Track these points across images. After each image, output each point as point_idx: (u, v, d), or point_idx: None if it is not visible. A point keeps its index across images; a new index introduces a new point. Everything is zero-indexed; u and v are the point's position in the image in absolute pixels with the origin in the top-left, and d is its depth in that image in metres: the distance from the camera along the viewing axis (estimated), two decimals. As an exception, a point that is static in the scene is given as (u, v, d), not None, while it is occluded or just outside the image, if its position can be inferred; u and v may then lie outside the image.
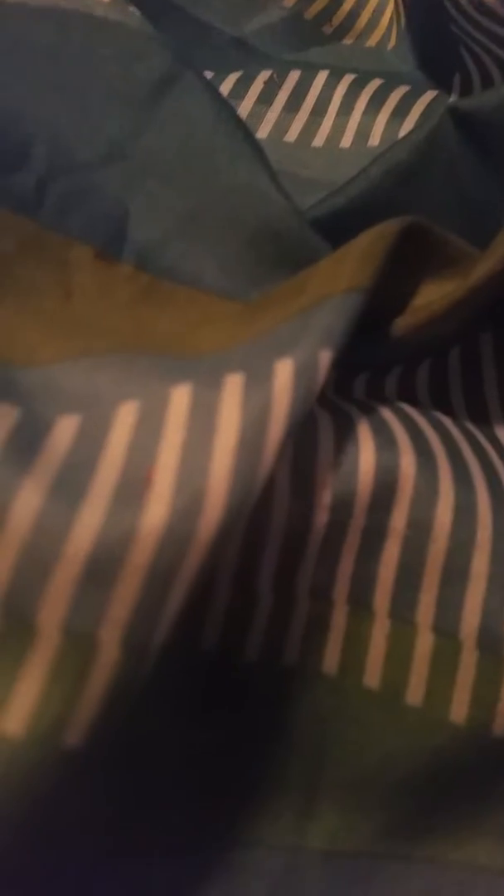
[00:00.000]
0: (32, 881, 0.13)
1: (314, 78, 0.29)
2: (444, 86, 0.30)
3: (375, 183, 0.23)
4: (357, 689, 0.16)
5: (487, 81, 0.29)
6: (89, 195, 0.21)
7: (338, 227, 0.21)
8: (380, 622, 0.16)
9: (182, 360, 0.16)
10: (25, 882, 0.13)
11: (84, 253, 0.20)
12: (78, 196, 0.21)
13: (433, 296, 0.19)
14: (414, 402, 0.19)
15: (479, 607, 0.16)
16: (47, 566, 0.12)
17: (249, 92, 0.29)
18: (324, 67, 0.30)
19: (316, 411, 0.16)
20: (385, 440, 0.16)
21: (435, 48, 0.31)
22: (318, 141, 0.28)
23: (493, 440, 0.19)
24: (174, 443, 0.14)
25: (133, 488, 0.13)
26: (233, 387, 0.14)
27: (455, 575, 0.16)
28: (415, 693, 0.16)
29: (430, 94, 0.28)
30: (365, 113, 0.28)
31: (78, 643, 0.12)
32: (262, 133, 0.28)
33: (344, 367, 0.16)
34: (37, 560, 0.12)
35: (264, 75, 0.29)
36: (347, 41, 0.34)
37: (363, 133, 0.27)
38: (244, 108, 0.28)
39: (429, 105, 0.28)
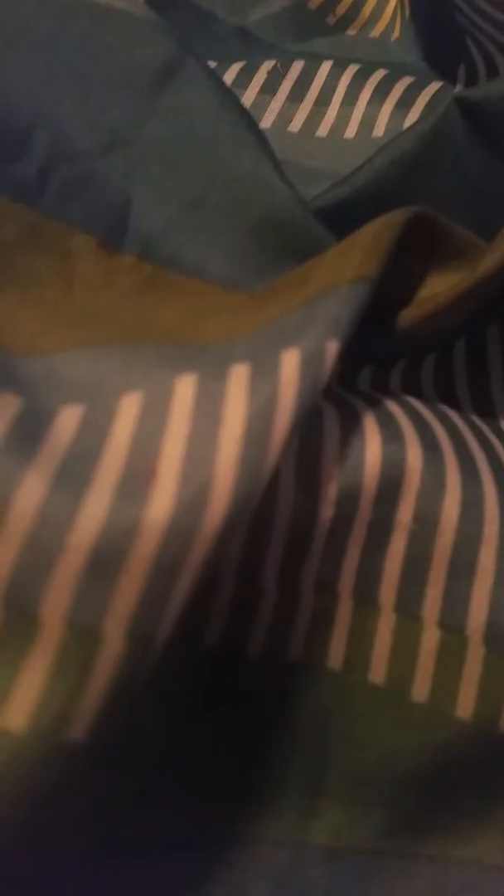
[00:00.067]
0: (33, 878, 0.13)
1: (318, 68, 0.29)
2: (448, 76, 0.30)
3: (381, 173, 0.23)
4: (362, 684, 0.15)
5: (493, 71, 0.29)
6: (91, 184, 0.21)
7: (342, 217, 0.21)
8: (385, 617, 0.16)
9: (186, 351, 0.16)
10: (25, 878, 0.12)
11: (86, 242, 0.20)
12: (79, 185, 0.21)
13: (439, 287, 0.18)
14: (419, 396, 0.19)
15: (486, 602, 0.15)
16: (50, 557, 0.12)
17: (253, 82, 0.29)
18: (327, 58, 0.30)
19: (322, 404, 0.16)
20: (391, 433, 0.16)
21: (440, 38, 0.30)
22: (323, 131, 0.27)
23: (500, 434, 0.19)
24: (179, 434, 0.13)
25: (137, 480, 0.13)
26: (239, 377, 0.14)
27: (462, 570, 0.16)
28: (420, 689, 0.15)
29: (434, 85, 0.28)
30: (369, 103, 0.28)
31: (81, 635, 0.12)
32: (266, 123, 0.28)
33: (349, 360, 0.16)
34: (40, 551, 0.12)
35: (268, 65, 0.29)
36: (351, 32, 0.34)
37: (368, 123, 0.27)
38: (247, 98, 0.28)
39: (433, 96, 0.28)
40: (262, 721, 0.15)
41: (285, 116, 0.28)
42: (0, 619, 0.12)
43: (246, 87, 0.28)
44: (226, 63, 0.29)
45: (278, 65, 0.29)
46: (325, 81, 0.28)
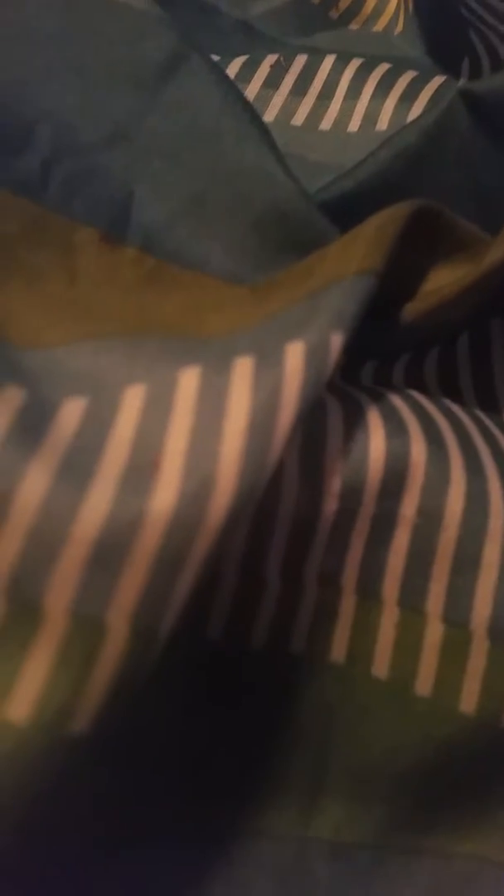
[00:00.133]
0: (33, 871, 0.13)
1: (321, 62, 0.29)
2: (452, 71, 0.30)
3: (384, 166, 0.22)
4: (365, 678, 0.15)
5: (497, 64, 0.29)
6: (94, 177, 0.21)
7: (346, 210, 0.21)
8: (389, 611, 0.16)
9: (189, 343, 0.16)
10: (26, 872, 0.12)
11: (89, 235, 0.20)
12: (82, 178, 0.20)
13: (443, 281, 0.18)
14: (422, 390, 0.19)
15: (491, 597, 0.15)
16: (54, 549, 0.12)
17: (256, 75, 0.29)
18: (330, 52, 0.29)
19: (325, 398, 0.16)
20: (395, 427, 0.16)
21: (443, 32, 0.30)
22: (326, 125, 0.27)
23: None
24: (183, 426, 0.13)
25: (141, 472, 0.13)
26: (243, 369, 0.14)
27: (466, 564, 0.15)
28: (424, 683, 0.15)
29: (438, 80, 0.28)
30: (373, 97, 0.28)
31: (85, 627, 0.12)
32: (269, 117, 0.28)
33: (352, 354, 0.16)
34: (43, 543, 0.12)
35: (270, 59, 0.29)
36: (354, 26, 0.33)
37: (371, 117, 0.27)
38: (250, 92, 0.28)
39: (437, 90, 0.28)
40: (264, 714, 0.15)
41: (288, 110, 0.28)
42: (4, 610, 0.12)
43: (249, 81, 0.28)
44: (229, 57, 0.29)
45: (281, 59, 0.29)
46: (329, 75, 0.28)
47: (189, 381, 0.14)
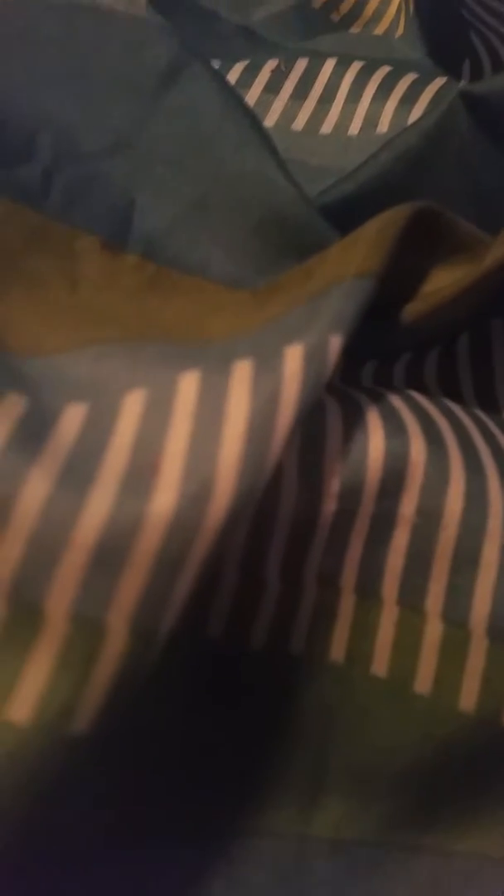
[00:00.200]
0: (35, 870, 0.13)
1: (322, 66, 0.29)
2: (453, 73, 0.30)
3: (385, 169, 0.23)
4: (364, 677, 0.15)
5: (497, 66, 0.29)
6: (95, 185, 0.21)
7: (347, 213, 0.21)
8: (388, 610, 0.16)
9: (190, 348, 0.16)
10: (28, 871, 0.13)
11: (90, 243, 0.20)
12: (84, 186, 0.21)
13: (443, 282, 0.18)
14: (422, 390, 0.19)
15: (490, 596, 0.15)
16: (55, 553, 0.12)
17: (256, 80, 0.29)
18: (331, 56, 0.30)
19: (325, 398, 0.16)
20: (394, 427, 0.16)
21: (444, 34, 0.30)
22: (326, 128, 0.28)
23: (504, 427, 0.19)
24: (182, 430, 0.13)
25: (141, 476, 0.13)
26: (242, 373, 0.14)
27: (465, 563, 0.16)
28: (423, 681, 0.15)
29: (438, 82, 0.28)
30: (373, 100, 0.28)
31: (85, 629, 0.12)
32: (270, 121, 0.28)
33: (352, 354, 0.16)
34: (45, 547, 0.12)
35: (271, 64, 0.29)
36: (355, 29, 0.34)
37: (371, 120, 0.27)
38: (251, 97, 0.28)
39: (437, 92, 0.28)
40: (264, 714, 0.15)
41: (289, 114, 0.28)
42: (6, 613, 0.12)
43: (250, 86, 0.29)
44: (229, 62, 0.29)
45: (282, 63, 0.29)
46: (329, 79, 0.29)
47: (189, 385, 0.14)
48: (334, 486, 0.15)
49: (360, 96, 0.28)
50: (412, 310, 0.18)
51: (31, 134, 0.21)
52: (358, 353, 0.18)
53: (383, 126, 0.27)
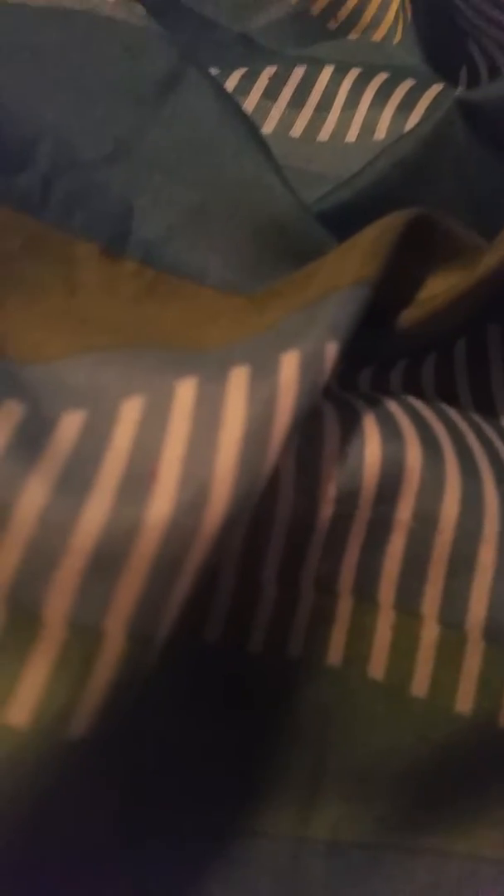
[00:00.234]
0: (34, 872, 0.13)
1: (319, 73, 0.29)
2: (450, 79, 0.30)
3: (382, 176, 0.23)
4: (362, 680, 0.16)
5: (495, 73, 0.29)
6: (94, 193, 0.21)
7: (344, 220, 0.21)
8: (385, 614, 0.16)
9: (187, 355, 0.16)
10: (27, 874, 0.13)
11: (89, 250, 0.20)
12: (83, 194, 0.21)
13: (439, 288, 0.19)
14: (420, 396, 0.19)
15: (486, 598, 0.16)
16: (53, 559, 0.12)
17: (255, 87, 0.29)
18: (329, 63, 0.30)
19: (322, 404, 0.16)
20: (391, 432, 0.16)
21: (441, 41, 0.30)
22: (324, 135, 0.28)
23: (501, 432, 0.19)
24: (179, 436, 0.14)
25: (138, 482, 0.13)
26: (238, 380, 0.14)
27: (461, 567, 0.16)
28: (420, 684, 0.16)
29: (436, 88, 0.28)
30: (371, 107, 0.28)
31: (83, 635, 0.12)
32: (268, 128, 0.28)
33: (349, 360, 0.16)
34: (42, 553, 0.12)
35: (269, 71, 0.29)
36: (353, 36, 0.34)
37: (369, 127, 0.27)
38: (249, 104, 0.28)
39: (435, 99, 0.28)
40: (262, 716, 0.15)
41: (287, 122, 0.28)
42: (4, 618, 0.12)
43: (248, 94, 0.29)
44: (228, 69, 0.30)
45: (280, 70, 0.29)
46: (327, 86, 0.29)
47: (186, 391, 0.14)
48: (331, 490, 0.15)
49: (358, 103, 0.28)
50: (409, 316, 0.19)
51: (30, 142, 0.21)
52: (355, 359, 0.18)
53: (381, 133, 0.27)
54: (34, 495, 0.12)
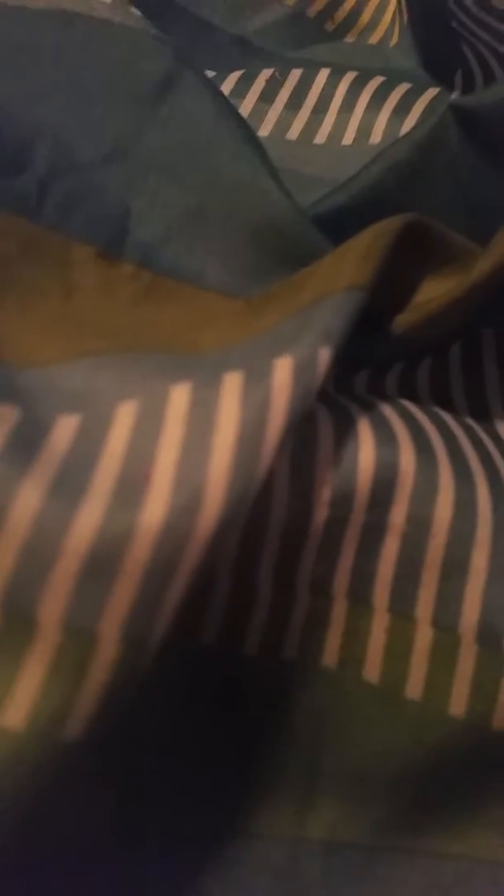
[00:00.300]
0: (33, 872, 0.13)
1: (316, 76, 0.29)
2: (446, 82, 0.30)
3: (377, 180, 0.23)
4: (356, 682, 0.16)
5: (489, 78, 0.29)
6: (91, 195, 0.21)
7: (339, 224, 0.21)
8: (379, 617, 0.16)
9: (182, 359, 0.16)
10: (23, 875, 0.13)
11: (86, 253, 0.20)
12: (80, 196, 0.21)
13: (434, 293, 0.19)
14: (414, 400, 0.19)
15: (479, 602, 0.16)
16: (47, 563, 0.12)
17: (251, 90, 0.29)
18: (325, 65, 0.30)
19: (316, 408, 0.16)
20: (385, 436, 0.16)
21: (437, 45, 0.31)
22: (320, 138, 0.28)
23: (495, 436, 0.19)
24: (173, 441, 0.14)
25: (132, 486, 0.13)
26: (232, 385, 0.14)
27: (454, 570, 0.16)
28: (414, 687, 0.16)
29: (431, 92, 0.28)
30: (366, 110, 0.28)
31: (78, 638, 0.12)
32: (264, 131, 0.28)
33: (345, 364, 0.16)
34: (37, 557, 0.12)
35: (266, 73, 0.29)
36: (349, 39, 0.34)
37: (365, 130, 0.27)
38: (246, 107, 0.28)
39: (430, 102, 0.28)
40: (258, 718, 0.16)
41: (283, 124, 0.28)
42: None
43: (244, 96, 0.29)
44: (224, 72, 0.30)
45: (276, 73, 0.29)
46: (323, 89, 0.29)
47: (180, 396, 0.15)
48: (325, 494, 0.15)
49: (354, 106, 0.28)
50: (404, 320, 0.19)
51: (27, 144, 0.21)
52: (351, 362, 0.18)
53: (376, 136, 0.27)
54: (29, 499, 0.12)
